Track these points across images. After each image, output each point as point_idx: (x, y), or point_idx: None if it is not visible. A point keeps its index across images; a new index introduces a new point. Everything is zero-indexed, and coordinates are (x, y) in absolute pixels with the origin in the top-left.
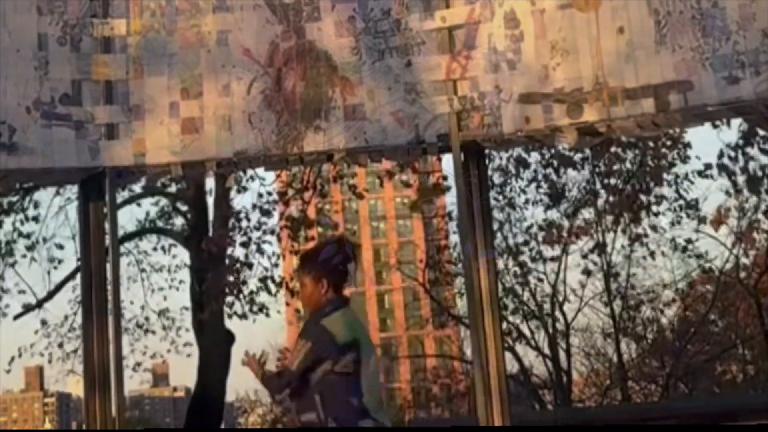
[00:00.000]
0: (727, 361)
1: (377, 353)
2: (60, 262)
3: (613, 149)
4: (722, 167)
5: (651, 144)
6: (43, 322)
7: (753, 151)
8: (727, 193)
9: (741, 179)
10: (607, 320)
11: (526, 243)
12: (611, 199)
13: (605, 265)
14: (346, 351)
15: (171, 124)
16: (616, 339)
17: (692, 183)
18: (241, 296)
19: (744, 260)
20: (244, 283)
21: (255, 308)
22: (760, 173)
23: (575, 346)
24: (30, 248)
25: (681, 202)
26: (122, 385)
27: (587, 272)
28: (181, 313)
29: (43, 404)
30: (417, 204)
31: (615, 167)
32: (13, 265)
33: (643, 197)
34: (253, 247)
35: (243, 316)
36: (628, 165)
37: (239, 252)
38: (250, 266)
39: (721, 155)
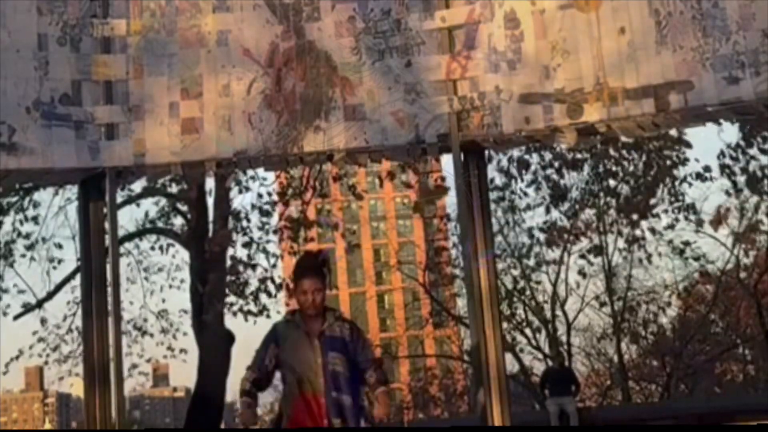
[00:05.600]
0: (728, 361)
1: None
2: (60, 262)
3: (612, 151)
4: (723, 167)
5: (653, 145)
6: (43, 323)
7: (753, 150)
8: (727, 193)
9: (741, 179)
10: (608, 320)
11: (527, 245)
12: (610, 200)
13: (606, 265)
14: None
15: (171, 124)
16: (617, 339)
17: (690, 185)
18: (241, 297)
19: (744, 261)
20: (245, 283)
21: (255, 309)
22: (759, 173)
23: (576, 346)
24: (29, 248)
25: (679, 203)
26: (122, 385)
27: (587, 273)
28: (179, 315)
29: (43, 404)
30: (419, 205)
31: (615, 168)
32: (12, 265)
33: (642, 198)
34: (253, 248)
35: (243, 316)
36: (627, 166)
37: (240, 253)
38: (249, 267)
39: (721, 155)
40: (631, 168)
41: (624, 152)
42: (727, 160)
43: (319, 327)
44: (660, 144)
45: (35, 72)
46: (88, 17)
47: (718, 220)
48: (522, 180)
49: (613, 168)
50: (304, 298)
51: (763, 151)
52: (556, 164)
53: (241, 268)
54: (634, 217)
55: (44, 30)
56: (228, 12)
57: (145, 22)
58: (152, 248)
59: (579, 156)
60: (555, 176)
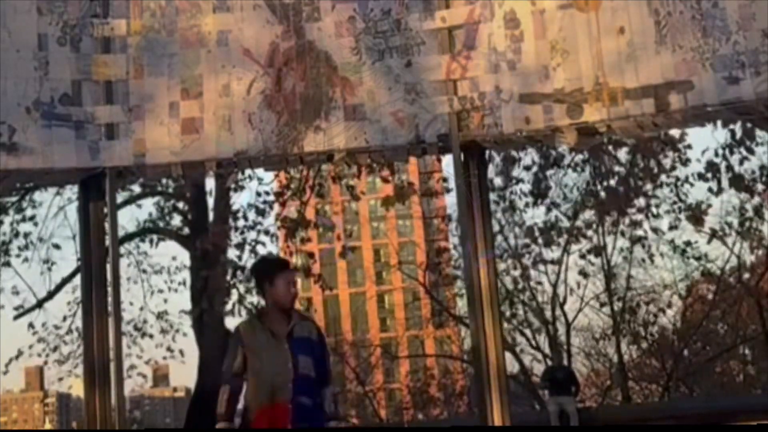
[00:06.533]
0: (728, 361)
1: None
2: (54, 264)
3: (611, 150)
4: (710, 165)
5: (649, 144)
6: (43, 324)
7: (743, 150)
8: (710, 190)
9: (725, 178)
10: (608, 320)
11: (526, 245)
12: (608, 198)
13: (605, 265)
14: None
15: (171, 124)
16: (617, 339)
17: (692, 185)
18: (239, 296)
19: (745, 260)
20: (241, 282)
21: (252, 308)
22: (750, 173)
23: (575, 346)
24: (27, 248)
25: (680, 204)
26: (122, 385)
27: (587, 273)
28: (179, 316)
29: (43, 404)
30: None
31: (613, 168)
32: (9, 264)
33: (641, 199)
34: (249, 247)
35: (241, 315)
36: (626, 166)
37: (236, 252)
38: (239, 268)
39: (713, 154)
40: (629, 168)
41: (611, 148)
42: (716, 158)
43: (286, 327)
44: (659, 145)
45: (35, 72)
46: (88, 17)
47: (698, 217)
48: (509, 177)
49: (613, 168)
50: (285, 291)
51: (749, 150)
52: (539, 162)
53: (230, 268)
54: (614, 213)
55: (44, 30)
56: (228, 12)
57: (145, 22)
58: (153, 248)
59: (560, 153)
60: (540, 174)
